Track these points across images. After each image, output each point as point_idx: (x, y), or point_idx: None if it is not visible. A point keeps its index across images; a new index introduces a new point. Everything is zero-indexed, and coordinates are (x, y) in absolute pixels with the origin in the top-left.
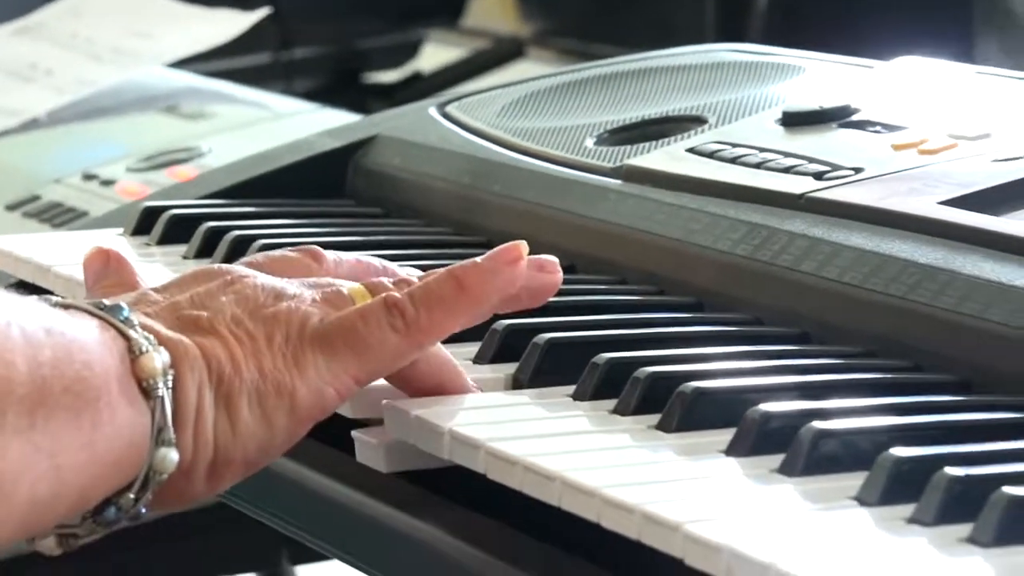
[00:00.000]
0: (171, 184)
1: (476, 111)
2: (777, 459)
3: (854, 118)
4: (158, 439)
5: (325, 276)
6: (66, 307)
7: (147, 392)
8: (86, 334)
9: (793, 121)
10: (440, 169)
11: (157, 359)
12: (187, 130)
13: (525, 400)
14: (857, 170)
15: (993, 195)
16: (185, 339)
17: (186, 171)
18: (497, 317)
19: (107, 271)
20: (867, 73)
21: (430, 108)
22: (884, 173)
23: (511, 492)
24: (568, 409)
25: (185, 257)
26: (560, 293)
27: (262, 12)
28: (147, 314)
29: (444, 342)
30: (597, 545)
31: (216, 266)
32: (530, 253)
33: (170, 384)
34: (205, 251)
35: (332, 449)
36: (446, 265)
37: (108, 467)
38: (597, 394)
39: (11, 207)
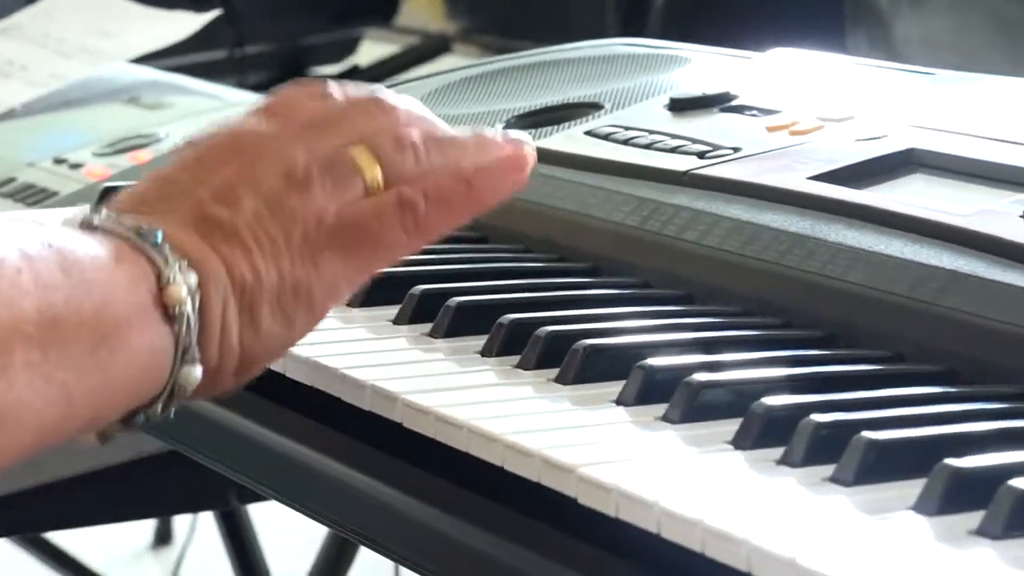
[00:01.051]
0: (131, 167)
1: None
2: (662, 408)
3: (733, 103)
4: (183, 358)
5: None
6: (105, 230)
7: (172, 317)
8: (111, 267)
9: (679, 107)
10: None
11: (184, 287)
12: (147, 119)
13: (439, 356)
14: (735, 149)
15: (856, 171)
16: (211, 253)
17: (145, 155)
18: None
19: None
20: (746, 63)
21: None
22: (759, 152)
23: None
24: (476, 365)
25: None
26: (470, 261)
27: (215, 13)
28: (173, 214)
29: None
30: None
31: (233, 134)
32: None
33: (197, 305)
34: None
35: (272, 403)
36: None
37: (123, 390)
38: (502, 351)
39: None
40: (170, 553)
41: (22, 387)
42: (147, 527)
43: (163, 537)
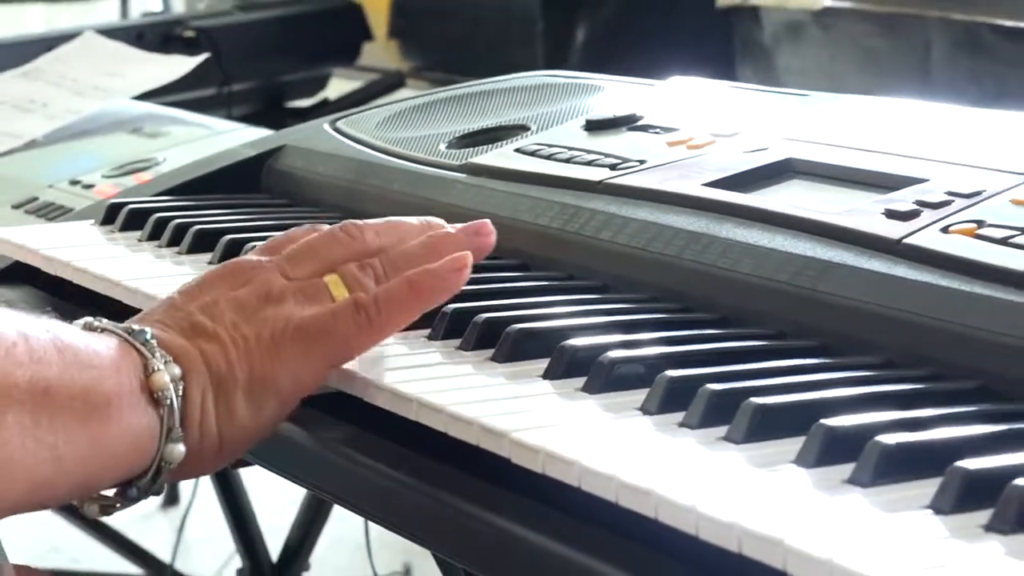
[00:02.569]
0: (134, 186)
1: (359, 125)
2: (582, 381)
3: (639, 123)
4: (168, 437)
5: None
6: (102, 329)
7: (158, 401)
8: (103, 353)
9: (594, 127)
10: (331, 169)
11: (167, 375)
12: (148, 146)
13: (391, 341)
14: (641, 162)
15: (743, 178)
16: (193, 350)
17: (146, 176)
18: None
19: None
20: (650, 90)
21: (324, 124)
22: (661, 164)
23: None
24: (423, 347)
25: (139, 240)
26: None
27: (204, 56)
28: (167, 325)
29: None
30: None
31: (231, 267)
32: None
33: (180, 392)
34: (154, 235)
35: None
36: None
37: (113, 460)
38: (446, 335)
39: (15, 206)
40: (177, 512)
41: (15, 446)
42: None
43: (171, 499)
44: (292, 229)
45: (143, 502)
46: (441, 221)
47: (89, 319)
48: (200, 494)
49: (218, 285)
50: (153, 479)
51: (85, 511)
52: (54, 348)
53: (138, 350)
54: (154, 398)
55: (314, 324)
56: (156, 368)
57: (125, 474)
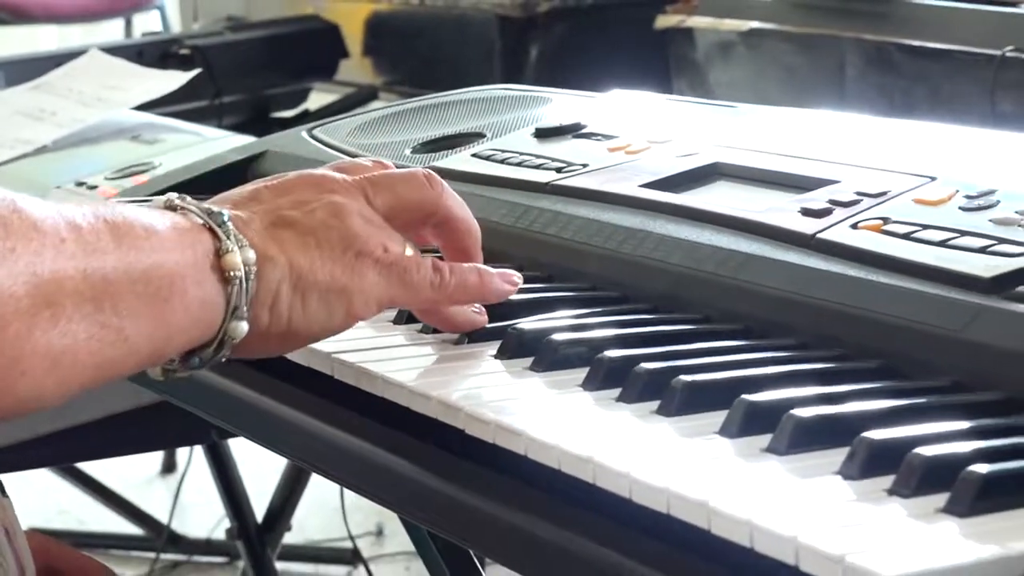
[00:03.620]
0: (133, 187)
1: (333, 133)
2: (530, 361)
3: (583, 131)
4: (233, 314)
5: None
6: (182, 208)
7: (227, 279)
8: (165, 233)
9: (543, 135)
10: None
11: (239, 256)
12: (145, 151)
13: (361, 324)
14: (584, 165)
15: (675, 179)
16: (273, 246)
17: (144, 178)
18: None
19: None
20: (593, 101)
21: (302, 132)
22: (602, 167)
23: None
24: (389, 330)
25: None
26: None
27: (197, 71)
28: (251, 215)
29: None
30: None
31: (314, 176)
32: None
33: (252, 274)
34: None
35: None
36: None
37: (178, 334)
38: (409, 320)
39: None
40: (174, 479)
41: (78, 333)
42: (156, 459)
43: (168, 467)
44: (358, 159)
45: (143, 469)
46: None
47: (172, 196)
48: (194, 463)
49: (306, 188)
50: (216, 351)
51: (148, 373)
52: (109, 235)
53: (211, 230)
54: (224, 276)
55: (399, 263)
56: (229, 249)
57: (190, 344)
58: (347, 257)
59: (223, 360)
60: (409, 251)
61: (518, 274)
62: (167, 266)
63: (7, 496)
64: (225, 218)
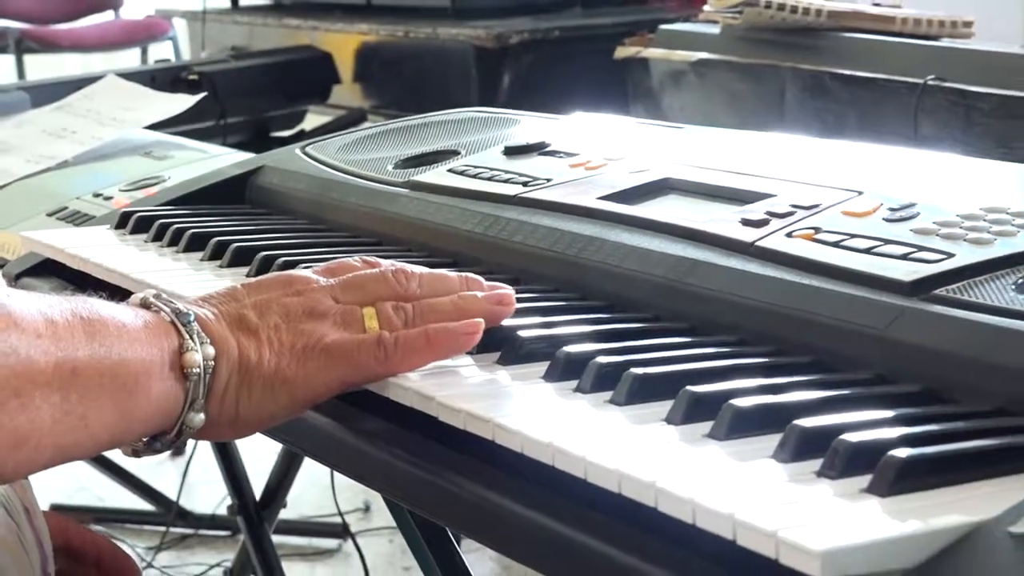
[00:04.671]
0: (144, 198)
1: (323, 150)
2: (496, 355)
3: (547, 149)
4: (191, 407)
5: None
6: (148, 306)
7: (186, 375)
8: (133, 330)
9: (511, 152)
10: (301, 185)
11: (200, 354)
12: (156, 166)
13: None
14: (548, 180)
15: (629, 193)
16: (231, 338)
17: (154, 190)
18: None
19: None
20: (557, 122)
21: (296, 149)
22: (564, 181)
23: None
24: None
25: (146, 241)
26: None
27: (204, 94)
28: (220, 312)
29: None
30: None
31: (291, 276)
32: (353, 235)
33: (210, 370)
34: (157, 237)
35: None
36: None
37: (139, 424)
38: None
39: (49, 214)
40: (182, 460)
41: (43, 420)
42: None
43: (178, 450)
44: (350, 259)
45: (156, 455)
46: (479, 279)
47: (149, 294)
48: (201, 447)
49: (275, 288)
50: (175, 438)
51: (121, 451)
52: (82, 331)
53: (178, 329)
54: (183, 372)
55: (340, 347)
56: (189, 348)
57: (149, 432)
58: (294, 352)
59: (183, 447)
60: (373, 323)
61: (481, 321)
62: (134, 363)
63: (26, 477)
64: (191, 318)
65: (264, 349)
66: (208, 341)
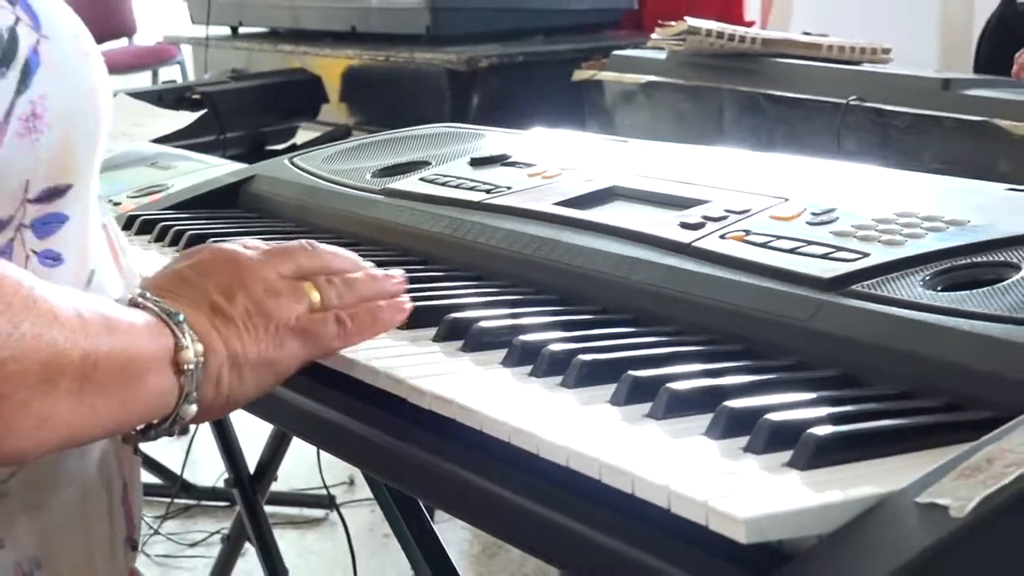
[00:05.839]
0: (148, 203)
1: (309, 160)
2: (459, 343)
3: (509, 161)
4: (185, 399)
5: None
6: (141, 304)
7: (182, 371)
8: (143, 330)
9: (477, 163)
10: (288, 192)
11: (192, 351)
12: (161, 175)
13: None
14: (509, 188)
15: (580, 199)
16: (214, 332)
17: (158, 197)
18: None
19: None
20: (518, 137)
21: (284, 159)
22: (523, 189)
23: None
24: None
25: (149, 242)
26: None
27: (205, 111)
28: (192, 303)
29: None
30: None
31: (229, 255)
32: (334, 236)
33: (200, 365)
34: (159, 238)
35: None
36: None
37: (139, 414)
38: None
39: None
40: (187, 439)
41: (61, 407)
42: None
43: (181, 430)
44: (253, 241)
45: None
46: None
47: (136, 295)
48: (203, 426)
49: (225, 268)
50: (170, 426)
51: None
52: (104, 327)
53: (171, 329)
54: (179, 368)
55: (309, 326)
56: (184, 346)
57: (146, 421)
58: (270, 334)
59: (174, 433)
60: (315, 295)
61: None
62: (142, 358)
63: (139, 453)
64: (181, 318)
65: (245, 337)
66: (197, 339)
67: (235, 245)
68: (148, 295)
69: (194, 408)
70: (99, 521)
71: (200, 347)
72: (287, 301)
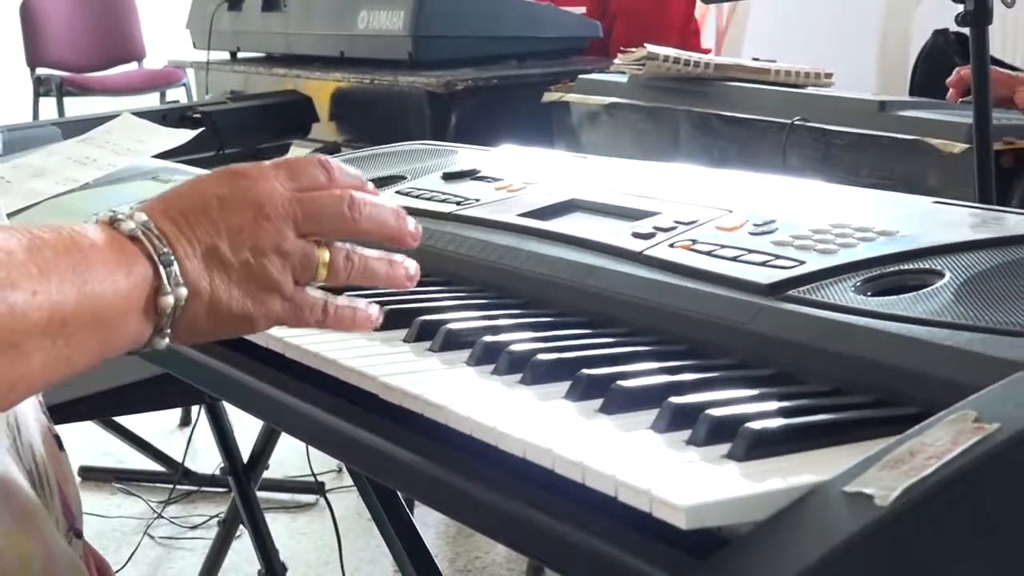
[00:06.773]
0: None
1: None
2: (428, 343)
3: (478, 175)
4: (158, 334)
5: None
6: (134, 239)
7: (159, 313)
8: (116, 269)
9: (449, 178)
10: None
11: (171, 298)
12: (162, 189)
13: None
14: (478, 200)
15: (543, 210)
16: (204, 278)
17: None
18: None
19: None
20: (488, 153)
21: None
22: (491, 201)
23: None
24: None
25: None
26: None
27: (203, 129)
28: (193, 247)
29: None
30: None
31: (259, 195)
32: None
33: (182, 304)
34: None
35: (222, 347)
36: None
37: (113, 352)
38: None
39: None
40: (188, 430)
41: (34, 362)
42: (175, 415)
43: (185, 421)
44: (307, 158)
45: (166, 422)
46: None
47: (140, 222)
48: (204, 418)
49: (248, 209)
50: (142, 350)
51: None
52: (73, 285)
53: (157, 270)
54: (157, 311)
55: (299, 305)
56: (165, 291)
57: (122, 353)
58: (262, 294)
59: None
60: (323, 271)
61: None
62: (116, 306)
63: (64, 451)
64: (172, 263)
65: (233, 289)
66: (182, 283)
67: (272, 180)
68: (149, 223)
69: (166, 343)
70: (46, 531)
71: (184, 291)
72: (292, 266)
